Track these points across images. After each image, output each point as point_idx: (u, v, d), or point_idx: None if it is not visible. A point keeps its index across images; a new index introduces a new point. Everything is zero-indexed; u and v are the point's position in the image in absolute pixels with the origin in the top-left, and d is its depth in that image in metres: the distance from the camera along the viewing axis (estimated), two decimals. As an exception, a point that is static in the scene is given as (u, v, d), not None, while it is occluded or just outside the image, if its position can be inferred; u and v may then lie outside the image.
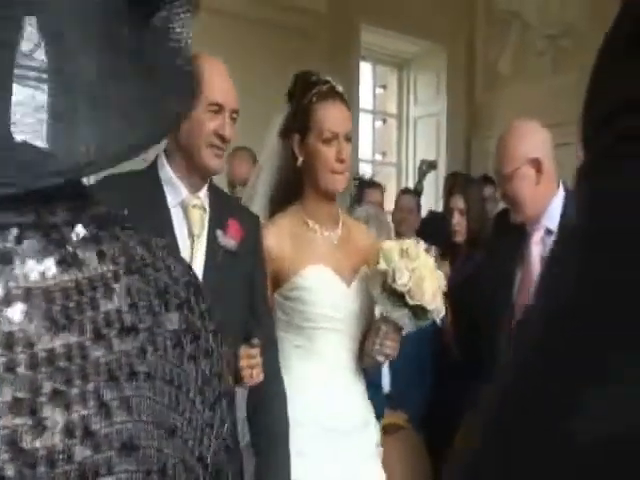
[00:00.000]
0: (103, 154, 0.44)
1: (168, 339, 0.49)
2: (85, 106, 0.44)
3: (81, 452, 0.43)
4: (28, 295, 0.44)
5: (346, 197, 2.00)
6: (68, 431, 0.43)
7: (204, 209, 1.60)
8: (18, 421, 0.42)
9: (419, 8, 5.91)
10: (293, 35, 5.20)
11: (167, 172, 1.59)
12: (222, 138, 1.56)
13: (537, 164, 2.02)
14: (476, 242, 2.95)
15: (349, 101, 1.88)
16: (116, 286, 0.47)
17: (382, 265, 1.69)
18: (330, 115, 1.78)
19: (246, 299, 1.63)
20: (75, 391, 0.44)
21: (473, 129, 6.58)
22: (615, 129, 0.32)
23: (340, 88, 1.84)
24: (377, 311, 1.82)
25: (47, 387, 0.43)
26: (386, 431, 2.00)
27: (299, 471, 1.64)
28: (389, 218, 3.66)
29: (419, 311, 1.71)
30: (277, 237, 1.77)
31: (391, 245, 1.73)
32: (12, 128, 0.42)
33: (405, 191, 4.41)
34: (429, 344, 2.78)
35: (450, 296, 1.85)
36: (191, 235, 1.56)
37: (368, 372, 1.91)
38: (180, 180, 1.58)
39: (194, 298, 0.52)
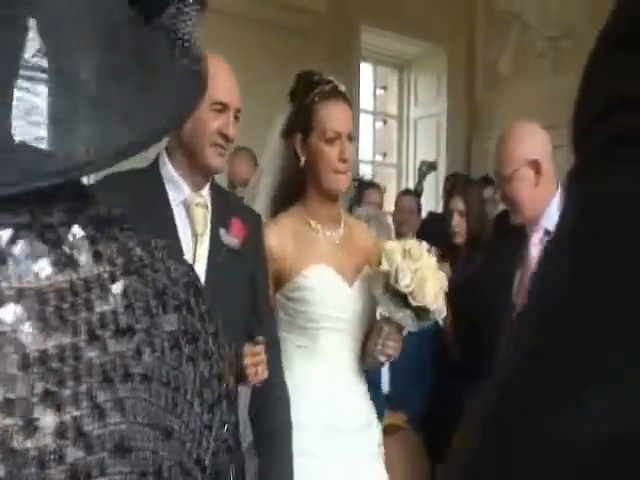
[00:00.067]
0: (103, 153, 0.44)
1: (165, 341, 0.48)
2: (85, 106, 0.44)
3: (73, 453, 0.43)
4: (21, 296, 0.44)
5: (346, 198, 2.00)
6: (60, 432, 0.43)
7: (207, 207, 1.58)
8: (9, 421, 0.42)
9: (419, 9, 5.91)
10: (293, 35, 5.20)
11: (169, 170, 1.57)
12: (226, 137, 1.56)
13: (536, 165, 2.03)
14: (476, 243, 2.95)
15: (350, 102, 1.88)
16: (112, 287, 0.47)
17: (384, 266, 1.69)
18: (333, 115, 1.78)
19: (249, 298, 1.62)
20: (67, 392, 0.43)
21: (473, 130, 6.58)
22: (609, 126, 0.32)
23: (342, 87, 1.84)
24: (379, 311, 1.82)
25: (39, 388, 0.43)
26: (386, 432, 2.00)
27: (302, 472, 1.64)
28: (389, 219, 3.66)
29: (421, 312, 1.71)
30: (279, 237, 1.76)
31: (393, 246, 1.73)
32: (12, 129, 0.42)
33: (405, 192, 4.41)
34: (429, 344, 2.78)
35: (450, 298, 1.85)
36: (194, 234, 1.55)
37: (367, 372, 1.91)
38: (182, 178, 1.57)
39: (194, 299, 0.52)
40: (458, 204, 3.08)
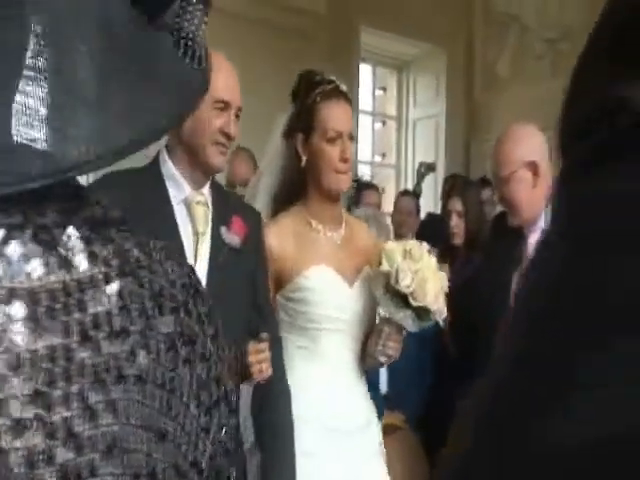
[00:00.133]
0: (102, 153, 0.44)
1: (161, 342, 0.48)
2: (84, 106, 0.44)
3: (63, 454, 0.43)
4: (12, 296, 0.43)
5: (344, 199, 2.00)
6: (49, 432, 0.42)
7: (207, 206, 1.58)
8: None
9: (419, 10, 5.91)
10: (293, 36, 5.20)
11: (169, 168, 1.56)
12: (227, 136, 1.55)
13: (534, 167, 2.03)
14: (474, 244, 2.95)
15: (349, 102, 1.88)
16: (107, 288, 0.47)
17: (385, 266, 1.69)
18: (334, 114, 1.78)
19: (250, 297, 1.62)
20: (58, 392, 0.43)
21: (472, 131, 6.58)
22: (598, 129, 0.32)
23: (344, 87, 1.83)
24: (379, 312, 1.82)
25: (29, 388, 0.42)
26: (384, 432, 2.00)
27: (303, 472, 1.64)
28: (387, 220, 3.66)
29: (422, 312, 1.71)
30: (279, 237, 1.76)
31: (394, 246, 1.73)
32: (11, 129, 0.42)
33: (404, 193, 4.41)
34: (429, 344, 2.78)
35: (449, 299, 1.85)
36: (195, 232, 1.54)
37: (366, 373, 1.91)
38: (183, 176, 1.56)
39: (192, 301, 0.52)
40: (456, 205, 3.08)
